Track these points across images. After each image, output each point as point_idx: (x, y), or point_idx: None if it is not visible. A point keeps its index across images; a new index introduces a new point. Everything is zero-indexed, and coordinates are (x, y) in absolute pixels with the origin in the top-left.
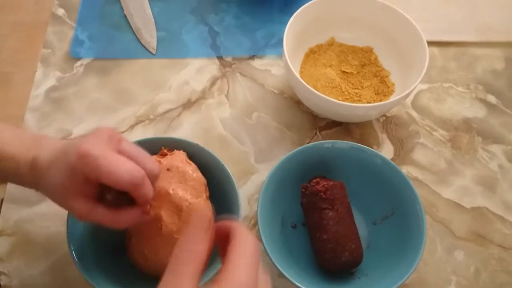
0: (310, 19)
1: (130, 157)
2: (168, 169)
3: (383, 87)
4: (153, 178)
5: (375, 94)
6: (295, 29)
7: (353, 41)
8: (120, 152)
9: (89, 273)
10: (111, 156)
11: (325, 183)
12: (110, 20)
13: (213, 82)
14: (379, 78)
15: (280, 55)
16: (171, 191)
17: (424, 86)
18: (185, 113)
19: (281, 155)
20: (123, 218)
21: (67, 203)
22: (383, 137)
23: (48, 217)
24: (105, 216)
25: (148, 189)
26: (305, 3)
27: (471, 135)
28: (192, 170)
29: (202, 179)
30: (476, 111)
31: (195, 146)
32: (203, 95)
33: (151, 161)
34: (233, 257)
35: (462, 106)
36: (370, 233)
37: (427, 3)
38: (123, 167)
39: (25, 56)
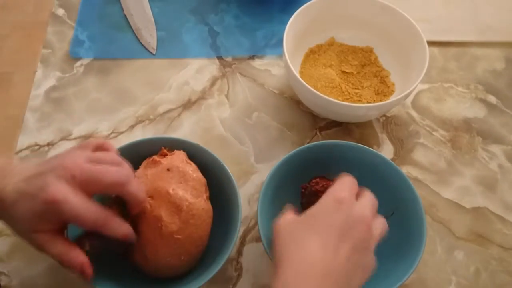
0: (310, 19)
1: (97, 182)
2: (168, 169)
3: (383, 87)
4: (125, 187)
5: (375, 94)
6: (295, 29)
7: (353, 41)
8: (85, 187)
9: None
10: (76, 199)
11: (324, 183)
12: (110, 20)
13: (213, 82)
14: (379, 78)
15: (280, 55)
16: (171, 191)
17: (424, 86)
18: (185, 113)
19: (281, 155)
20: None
21: (29, 238)
22: (383, 137)
23: None
24: (61, 250)
25: (116, 225)
26: (305, 3)
27: (471, 135)
28: (192, 170)
29: (202, 179)
30: (476, 111)
31: (195, 146)
32: (203, 95)
33: (118, 175)
34: None
35: (462, 106)
36: None
37: (427, 3)
38: (88, 211)
39: (25, 56)
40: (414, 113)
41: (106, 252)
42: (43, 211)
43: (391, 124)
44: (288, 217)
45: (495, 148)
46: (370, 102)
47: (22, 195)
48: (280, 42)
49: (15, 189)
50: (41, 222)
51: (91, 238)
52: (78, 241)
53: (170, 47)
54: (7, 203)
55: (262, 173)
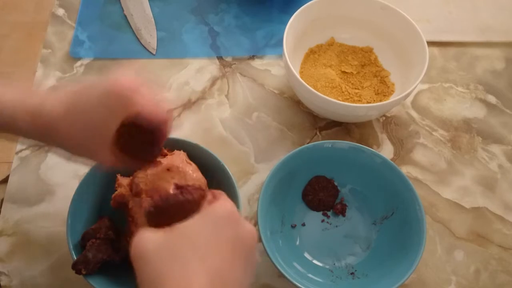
0: (310, 19)
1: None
2: (168, 169)
3: (383, 87)
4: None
5: (375, 94)
6: (295, 29)
7: (353, 41)
8: None
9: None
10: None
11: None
12: (110, 20)
13: (213, 82)
14: (379, 78)
15: (280, 55)
16: (171, 191)
17: (424, 86)
18: (185, 113)
19: (281, 155)
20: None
21: (94, 152)
22: (383, 137)
23: (48, 217)
24: (128, 161)
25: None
26: (305, 3)
27: (471, 135)
28: (192, 170)
29: (202, 179)
30: (476, 111)
31: (195, 146)
32: (203, 95)
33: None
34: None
35: (462, 106)
36: (370, 233)
37: (427, 3)
38: (159, 104)
39: (25, 56)
40: (414, 113)
41: (106, 262)
42: (115, 101)
43: (391, 124)
44: (151, 236)
45: (495, 148)
46: (370, 102)
47: (74, 101)
48: (280, 42)
49: (61, 101)
50: (109, 120)
51: (92, 249)
52: (75, 264)
53: (170, 47)
54: (56, 120)
55: (262, 173)
